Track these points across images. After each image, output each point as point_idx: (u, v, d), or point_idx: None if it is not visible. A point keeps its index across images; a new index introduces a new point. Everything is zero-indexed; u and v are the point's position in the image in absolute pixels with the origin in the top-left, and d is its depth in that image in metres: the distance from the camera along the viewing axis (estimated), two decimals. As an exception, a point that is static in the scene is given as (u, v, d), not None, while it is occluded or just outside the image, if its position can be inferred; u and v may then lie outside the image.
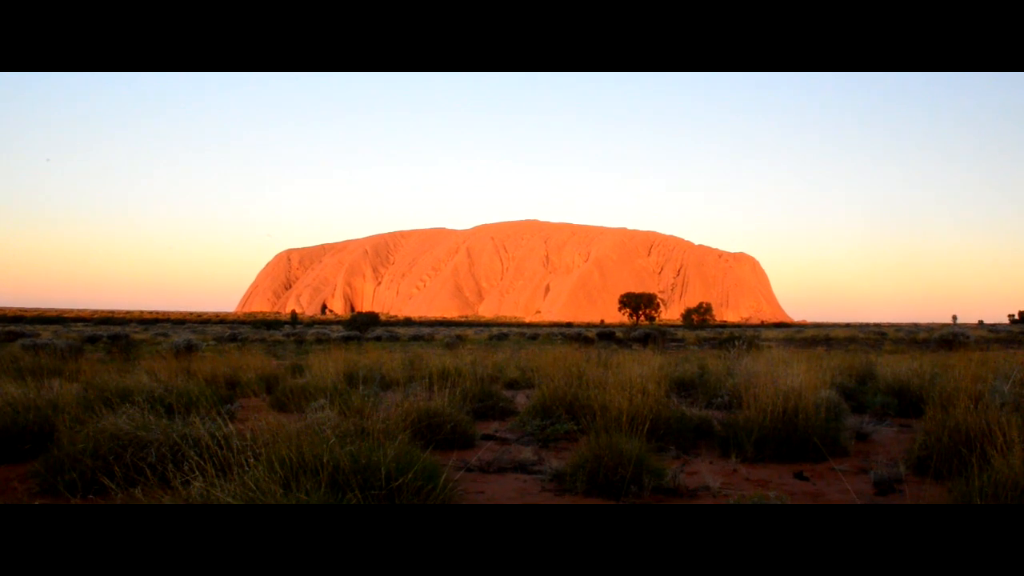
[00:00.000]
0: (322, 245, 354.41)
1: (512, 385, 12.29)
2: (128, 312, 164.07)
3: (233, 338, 36.14)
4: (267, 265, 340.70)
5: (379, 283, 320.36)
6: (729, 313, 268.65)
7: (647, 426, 5.89)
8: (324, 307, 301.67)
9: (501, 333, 49.48)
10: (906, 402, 9.13)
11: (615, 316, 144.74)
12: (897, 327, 79.77)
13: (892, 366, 11.44)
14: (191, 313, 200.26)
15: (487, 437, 7.44)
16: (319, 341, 33.55)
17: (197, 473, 3.85)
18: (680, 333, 51.03)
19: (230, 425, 4.72)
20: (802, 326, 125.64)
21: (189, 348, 18.01)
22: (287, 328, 63.41)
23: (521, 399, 10.29)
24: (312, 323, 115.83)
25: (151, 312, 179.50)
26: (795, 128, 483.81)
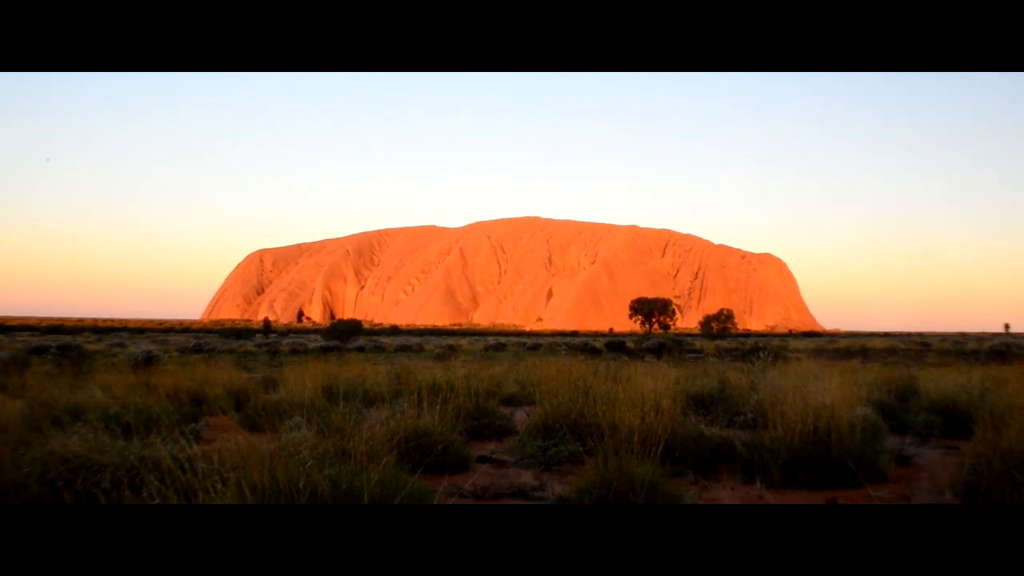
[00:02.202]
0: (298, 245, 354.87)
1: (510, 401, 12.29)
2: (80, 320, 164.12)
3: (198, 349, 36.16)
4: (237, 267, 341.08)
5: (362, 287, 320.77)
6: (753, 321, 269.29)
7: (661, 447, 5.87)
8: (301, 314, 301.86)
9: (498, 343, 49.55)
10: (953, 421, 9.13)
11: (625, 324, 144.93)
12: (942, 337, 79.97)
13: (937, 381, 11.45)
14: (152, 321, 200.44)
15: (483, 459, 7.43)
16: (295, 352, 33.57)
17: (157, 500, 3.84)
18: (698, 343, 51.12)
19: (195, 446, 4.70)
20: (835, 336, 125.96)
21: (149, 360, 17.99)
22: (259, 338, 63.49)
23: (520, 416, 10.28)
24: (287, 332, 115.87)
25: (106, 320, 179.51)
26: (826, 120, 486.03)
